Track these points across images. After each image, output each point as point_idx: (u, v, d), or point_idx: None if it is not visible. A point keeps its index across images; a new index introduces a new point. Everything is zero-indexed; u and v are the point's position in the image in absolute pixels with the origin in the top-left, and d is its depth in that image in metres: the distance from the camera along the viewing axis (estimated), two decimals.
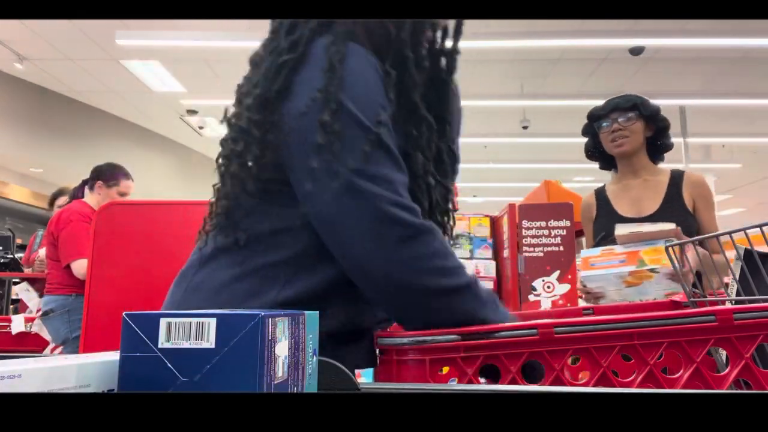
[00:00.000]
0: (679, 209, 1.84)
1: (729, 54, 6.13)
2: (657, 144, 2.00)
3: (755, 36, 5.42)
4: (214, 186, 0.95)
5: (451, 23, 0.93)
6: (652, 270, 1.39)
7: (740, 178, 10.80)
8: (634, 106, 1.90)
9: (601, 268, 1.47)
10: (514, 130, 7.54)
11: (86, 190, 3.33)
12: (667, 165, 2.05)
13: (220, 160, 0.92)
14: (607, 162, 2.07)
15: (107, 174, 3.29)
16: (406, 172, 0.81)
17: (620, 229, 1.51)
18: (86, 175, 3.37)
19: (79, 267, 3.02)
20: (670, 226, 1.45)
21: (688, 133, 7.53)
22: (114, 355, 0.49)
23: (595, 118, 1.97)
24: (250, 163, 0.84)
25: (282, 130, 0.81)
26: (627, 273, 1.43)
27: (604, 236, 1.80)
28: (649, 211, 1.87)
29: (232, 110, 0.90)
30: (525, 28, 4.66)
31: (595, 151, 2.07)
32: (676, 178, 1.92)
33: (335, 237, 0.78)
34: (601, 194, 2.04)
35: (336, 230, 0.77)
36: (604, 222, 1.93)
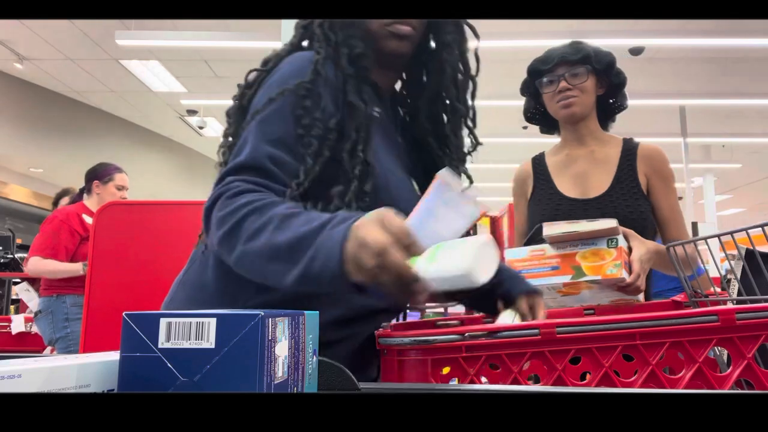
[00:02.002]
0: (634, 190, 1.49)
1: (729, 54, 6.13)
2: (609, 103, 1.62)
3: (755, 36, 5.42)
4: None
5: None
6: (592, 282, 1.13)
7: (740, 178, 10.80)
8: (586, 58, 1.50)
9: (531, 277, 1.16)
10: (514, 130, 7.56)
11: (85, 195, 3.34)
12: (617, 133, 1.67)
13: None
14: (550, 125, 1.70)
15: (100, 172, 3.32)
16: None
17: (549, 229, 1.19)
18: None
19: (30, 264, 3.06)
20: (610, 223, 1.14)
21: (688, 133, 7.54)
22: (114, 355, 0.48)
23: (536, 73, 1.57)
24: None
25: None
26: (561, 285, 1.17)
27: (539, 229, 1.58)
28: (596, 192, 1.51)
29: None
30: (525, 28, 4.66)
31: (536, 113, 1.69)
32: (630, 150, 1.55)
33: None
34: (539, 165, 1.65)
35: None
36: (542, 202, 1.57)
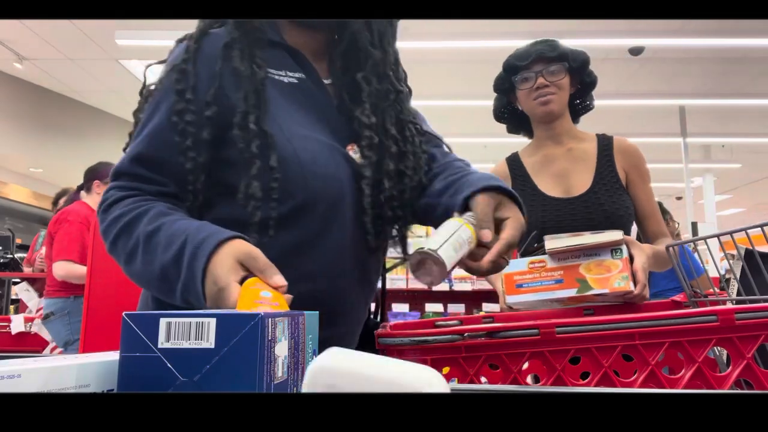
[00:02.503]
0: (616, 185, 1.49)
1: (729, 54, 6.12)
2: (575, 104, 1.62)
3: (755, 36, 5.42)
4: None
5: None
6: (598, 295, 1.10)
7: (740, 178, 10.80)
8: (563, 55, 1.50)
9: (532, 291, 1.13)
10: (505, 131, 7.54)
11: (83, 193, 3.33)
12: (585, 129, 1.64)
13: None
14: (519, 125, 1.69)
15: (101, 171, 3.30)
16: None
17: (552, 243, 1.15)
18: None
19: (59, 268, 3.01)
20: (616, 235, 1.11)
21: (688, 133, 7.54)
22: (114, 356, 0.48)
23: (512, 69, 1.54)
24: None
25: None
26: (566, 299, 1.13)
27: (536, 236, 1.41)
28: (579, 190, 1.50)
29: None
30: (525, 28, 4.66)
31: (506, 111, 1.67)
32: (605, 145, 1.55)
33: None
34: (516, 165, 1.62)
35: None
36: (526, 204, 1.43)
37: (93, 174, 3.31)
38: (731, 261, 0.97)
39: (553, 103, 1.51)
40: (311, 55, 0.91)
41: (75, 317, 3.00)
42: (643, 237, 1.52)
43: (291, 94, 0.85)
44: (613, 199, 1.46)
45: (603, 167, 1.51)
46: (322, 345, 0.61)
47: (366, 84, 0.88)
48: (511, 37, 5.03)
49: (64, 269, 2.99)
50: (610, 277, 1.10)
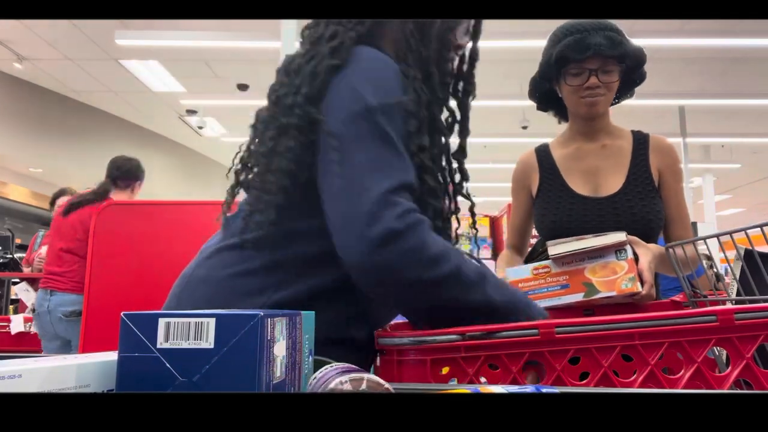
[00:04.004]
0: (648, 187, 1.40)
1: (729, 54, 6.12)
2: (629, 79, 1.47)
3: (755, 36, 5.42)
4: (231, 186, 0.96)
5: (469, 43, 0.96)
6: (606, 297, 1.09)
7: (740, 178, 10.80)
8: (623, 56, 1.36)
9: (539, 298, 1.10)
10: (514, 130, 7.54)
11: (116, 191, 3.25)
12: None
13: (248, 160, 0.93)
14: (550, 104, 1.56)
15: (142, 175, 3.31)
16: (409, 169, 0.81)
17: (555, 248, 1.12)
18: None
19: None
20: (619, 237, 1.09)
21: (688, 133, 7.54)
22: (114, 356, 0.48)
23: (563, 60, 1.38)
24: (290, 163, 0.84)
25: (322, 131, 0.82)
26: (574, 303, 1.11)
27: (539, 244, 1.34)
28: (610, 190, 1.41)
29: (264, 113, 0.91)
30: (525, 28, 4.66)
31: (546, 98, 1.54)
32: (641, 142, 1.45)
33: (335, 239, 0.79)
34: (545, 157, 1.51)
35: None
36: (553, 200, 1.44)
37: (137, 174, 3.29)
38: (729, 263, 0.97)
39: (601, 105, 1.41)
40: None
41: None
42: (666, 240, 1.43)
43: None
44: (644, 202, 1.38)
45: (637, 167, 1.43)
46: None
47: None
48: (510, 36, 5.02)
49: None
50: (617, 279, 1.09)
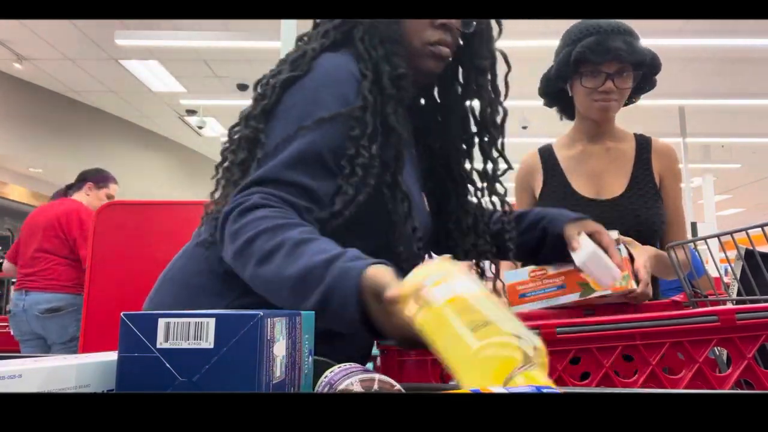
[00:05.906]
0: (652, 191, 1.41)
1: (729, 54, 6.13)
2: (638, 86, 1.46)
3: (755, 36, 5.42)
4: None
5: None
6: (602, 296, 1.09)
7: (739, 178, 10.81)
8: (640, 63, 1.36)
9: (536, 300, 1.13)
10: (514, 130, 7.55)
11: (73, 193, 3.37)
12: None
13: (222, 164, 0.92)
14: (558, 101, 1.55)
15: (97, 176, 3.38)
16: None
17: None
18: None
19: None
20: (612, 235, 1.11)
21: (688, 133, 7.54)
22: (114, 356, 0.48)
23: (580, 61, 1.36)
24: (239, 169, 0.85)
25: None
26: (570, 304, 1.13)
27: None
28: (612, 192, 1.42)
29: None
30: (525, 28, 4.66)
31: (555, 96, 1.53)
32: (643, 146, 1.47)
33: None
34: (549, 158, 1.52)
35: None
36: (556, 202, 1.43)
37: (88, 176, 3.38)
38: (731, 263, 0.97)
39: (613, 110, 1.41)
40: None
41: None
42: (661, 245, 1.42)
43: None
44: (648, 205, 1.39)
45: (640, 171, 1.44)
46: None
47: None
48: (510, 36, 5.03)
49: None
50: None
